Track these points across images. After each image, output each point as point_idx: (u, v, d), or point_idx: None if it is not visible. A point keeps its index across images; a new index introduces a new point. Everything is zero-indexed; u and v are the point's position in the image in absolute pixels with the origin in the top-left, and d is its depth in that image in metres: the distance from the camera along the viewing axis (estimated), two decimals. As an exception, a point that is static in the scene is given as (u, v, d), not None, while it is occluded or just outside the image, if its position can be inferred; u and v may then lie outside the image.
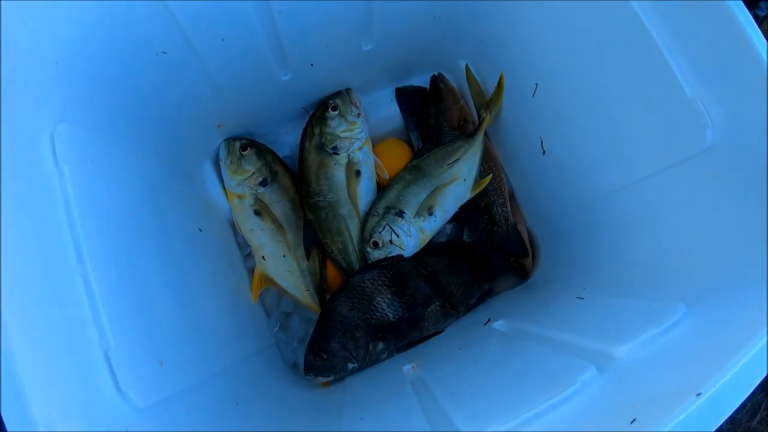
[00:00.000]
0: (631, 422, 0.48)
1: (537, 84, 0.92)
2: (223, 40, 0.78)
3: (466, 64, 1.03)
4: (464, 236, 1.04)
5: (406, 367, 0.84)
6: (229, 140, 0.98)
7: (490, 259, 1.03)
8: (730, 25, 0.58)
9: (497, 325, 0.87)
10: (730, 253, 0.67)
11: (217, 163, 1.00)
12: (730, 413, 0.49)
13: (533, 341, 0.74)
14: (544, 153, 0.96)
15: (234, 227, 1.00)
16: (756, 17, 1.58)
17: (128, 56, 0.74)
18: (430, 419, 0.64)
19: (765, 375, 0.51)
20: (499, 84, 0.97)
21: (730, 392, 0.48)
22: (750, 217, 0.64)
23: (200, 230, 0.87)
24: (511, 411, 0.54)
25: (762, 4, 1.58)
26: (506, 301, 1.01)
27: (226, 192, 0.99)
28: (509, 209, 1.04)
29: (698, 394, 0.47)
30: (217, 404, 0.72)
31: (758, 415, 1.33)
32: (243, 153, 0.97)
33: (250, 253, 1.00)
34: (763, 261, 0.61)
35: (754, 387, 0.50)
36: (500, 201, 1.03)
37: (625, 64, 0.73)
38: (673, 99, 0.66)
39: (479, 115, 1.01)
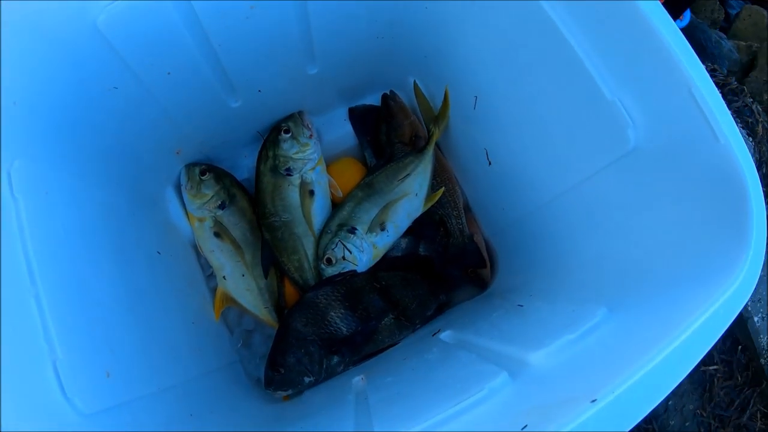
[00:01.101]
0: (522, 429, 0.51)
1: (476, 97, 1.01)
2: (168, 73, 0.88)
3: (414, 81, 1.12)
4: (420, 249, 1.13)
5: (356, 378, 0.92)
6: (189, 166, 1.09)
7: (447, 271, 1.12)
8: (640, 23, 0.64)
9: (444, 335, 0.94)
10: (657, 255, 0.71)
11: (179, 188, 1.10)
12: (634, 423, 0.50)
13: (466, 350, 0.81)
14: (490, 164, 1.05)
15: (197, 249, 1.11)
16: (728, 16, 1.68)
17: (81, 93, 0.84)
18: (358, 424, 0.72)
19: (676, 383, 0.53)
20: (445, 98, 1.07)
21: (632, 399, 0.50)
22: (675, 219, 0.72)
23: (158, 252, 0.98)
24: (425, 414, 0.59)
25: (732, 2, 1.68)
26: (462, 312, 1.07)
27: (187, 215, 1.10)
28: (464, 220, 1.13)
29: (593, 401, 0.50)
30: (169, 415, 0.81)
31: (748, 412, 1.37)
32: (202, 178, 1.08)
33: (212, 273, 1.09)
34: (687, 262, 0.66)
35: (663, 396, 0.52)
36: (455, 213, 1.13)
37: (550, 72, 0.78)
38: (594, 103, 0.72)
39: (428, 130, 1.12)
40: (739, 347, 1.43)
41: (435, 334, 0.95)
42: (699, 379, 1.42)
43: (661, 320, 0.60)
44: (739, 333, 1.44)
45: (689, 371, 0.53)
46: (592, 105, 0.74)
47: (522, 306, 0.90)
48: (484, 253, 1.12)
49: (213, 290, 1.08)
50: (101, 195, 0.92)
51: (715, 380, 1.41)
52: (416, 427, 0.59)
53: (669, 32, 0.63)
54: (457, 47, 1.00)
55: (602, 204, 0.82)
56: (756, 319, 1.41)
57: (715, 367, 1.42)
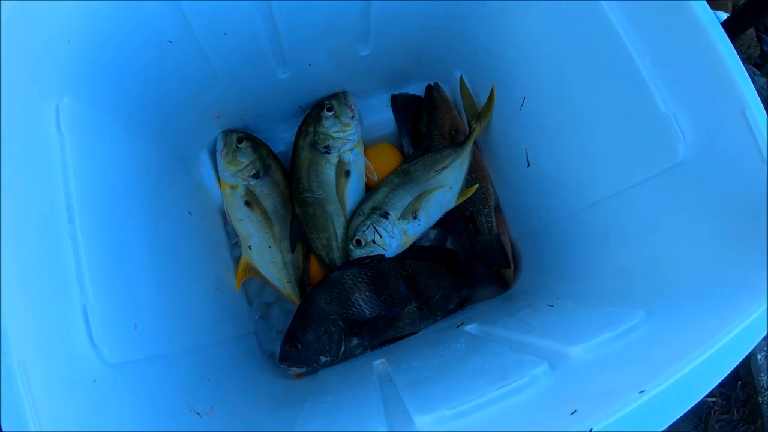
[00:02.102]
0: (571, 414, 0.50)
1: (524, 97, 0.97)
2: (225, 34, 0.84)
3: (461, 75, 1.09)
4: (448, 243, 1.08)
5: (377, 362, 0.87)
6: (227, 132, 1.04)
7: (471, 267, 1.07)
8: (700, 39, 0.62)
9: (468, 328, 0.90)
10: (697, 266, 0.69)
11: (213, 153, 1.05)
12: (677, 416, 0.51)
13: (496, 342, 0.78)
14: (528, 165, 1.01)
15: (224, 216, 1.05)
16: (763, 53, 1.63)
17: (136, 41, 0.80)
18: (387, 404, 0.67)
19: (713, 385, 0.52)
20: (490, 96, 1.03)
21: (676, 394, 0.50)
22: (717, 232, 0.68)
23: (190, 213, 0.93)
24: (459, 398, 0.57)
25: None
26: (483, 309, 1.03)
27: (219, 181, 1.04)
28: (494, 220, 1.08)
29: (641, 392, 0.49)
30: (188, 376, 0.75)
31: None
32: (239, 145, 1.03)
33: (237, 242, 1.04)
34: (726, 274, 0.65)
35: (705, 393, 0.52)
36: (485, 211, 1.08)
37: (605, 80, 0.76)
38: (647, 114, 0.69)
39: (470, 126, 1.07)
40: (740, 383, 1.39)
41: (459, 326, 0.90)
42: (696, 408, 1.38)
43: (700, 326, 0.59)
44: (740, 368, 1.40)
45: (724, 376, 0.53)
46: (644, 116, 0.72)
47: (552, 306, 0.85)
48: (509, 254, 1.07)
49: (236, 259, 1.03)
50: (141, 147, 0.88)
51: (712, 412, 1.37)
52: (456, 408, 0.56)
53: (727, 52, 0.62)
54: (509, 47, 0.97)
55: (641, 213, 0.79)
56: (759, 356, 1.37)
57: (713, 399, 1.38)
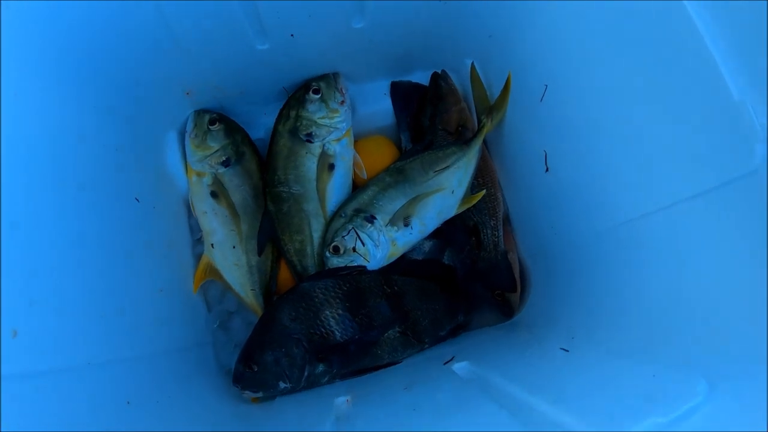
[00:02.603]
0: None
1: (546, 86, 0.79)
2: (188, -8, 0.69)
3: (472, 63, 0.90)
4: (445, 257, 0.90)
5: (340, 399, 0.70)
6: (199, 112, 0.88)
7: (471, 288, 0.88)
8: None
9: (459, 367, 0.71)
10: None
11: (183, 135, 0.90)
12: None
13: (490, 397, 0.58)
14: (547, 170, 0.82)
15: (190, 207, 0.90)
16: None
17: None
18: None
19: None
20: (506, 86, 0.85)
21: None
22: None
23: (137, 200, 0.77)
24: None
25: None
26: (480, 339, 0.84)
27: (186, 167, 0.89)
28: (501, 234, 0.90)
29: None
30: (95, 398, 0.60)
31: None
32: (210, 127, 0.87)
33: (200, 238, 0.89)
34: None
35: None
36: (492, 223, 0.90)
37: (657, 60, 0.59)
38: (714, 103, 0.50)
39: (479, 121, 0.89)
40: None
41: (447, 362, 0.72)
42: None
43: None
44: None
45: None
46: (709, 106, 0.53)
47: (567, 351, 0.66)
48: (517, 275, 0.88)
49: (198, 258, 0.86)
50: (88, 117, 0.72)
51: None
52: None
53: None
54: (531, 28, 0.79)
55: (695, 237, 0.60)
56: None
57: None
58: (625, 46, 0.63)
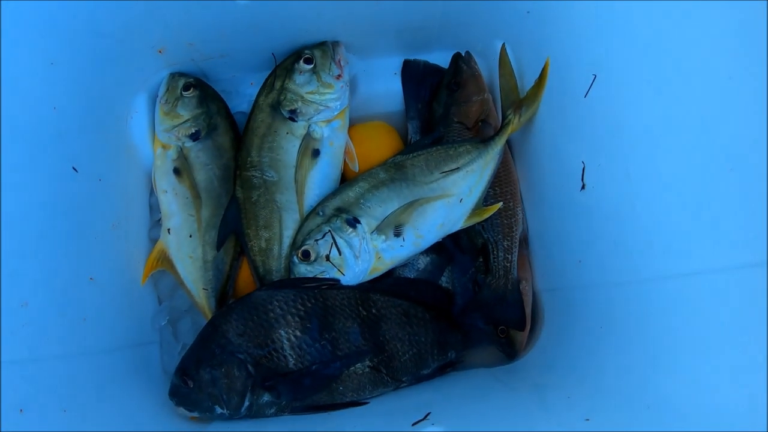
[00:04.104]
0: None
1: (595, 76, 0.56)
2: None
3: (503, 45, 0.67)
4: (443, 279, 0.69)
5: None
6: (175, 75, 0.69)
7: (469, 320, 0.67)
8: None
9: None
10: None
11: (154, 101, 0.72)
12: None
13: None
14: (583, 187, 0.60)
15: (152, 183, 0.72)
16: None
17: None
18: None
19: None
20: (542, 75, 0.62)
21: None
22: None
23: (74, 170, 0.60)
24: None
25: None
26: (470, 386, 0.63)
27: (153, 137, 0.72)
28: (515, 258, 0.67)
29: None
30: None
31: None
32: (184, 93, 0.68)
33: (160, 220, 0.71)
34: None
35: None
36: (506, 244, 0.68)
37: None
38: None
39: (504, 116, 0.67)
40: None
41: (417, 423, 0.51)
42: None
43: None
44: None
45: None
46: None
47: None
48: (528, 311, 0.66)
49: (154, 242, 0.68)
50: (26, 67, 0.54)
51: None
52: None
53: None
54: (582, 4, 0.56)
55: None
56: None
57: None
58: (717, 36, 0.41)
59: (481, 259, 0.67)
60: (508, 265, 0.66)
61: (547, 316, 0.68)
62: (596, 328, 0.58)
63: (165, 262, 0.67)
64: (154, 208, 0.71)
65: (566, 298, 0.65)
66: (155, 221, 0.71)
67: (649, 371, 0.50)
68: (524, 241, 0.69)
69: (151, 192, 0.71)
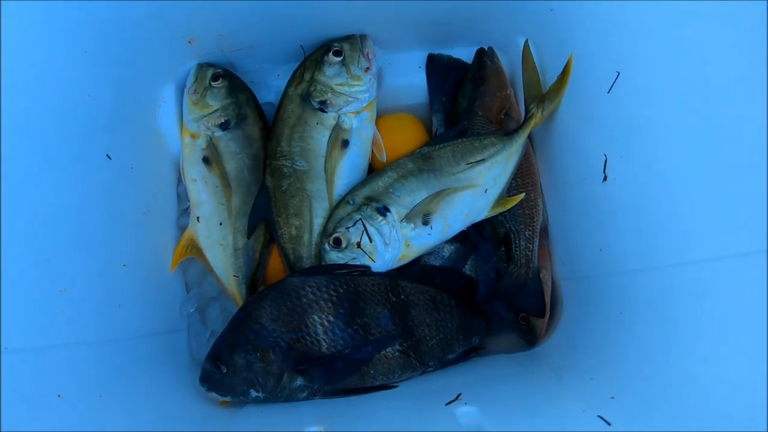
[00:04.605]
0: None
1: (618, 73, 0.57)
2: None
3: (526, 41, 0.68)
4: (466, 267, 0.70)
5: (312, 428, 0.51)
6: (203, 65, 0.68)
7: (492, 307, 0.68)
8: None
9: (464, 412, 0.51)
10: None
11: (182, 90, 0.71)
12: None
13: None
14: (605, 179, 0.60)
15: (180, 172, 0.71)
16: None
17: None
18: None
19: None
20: (565, 71, 0.63)
21: None
22: None
23: (108, 157, 0.59)
24: None
25: None
26: (493, 371, 0.64)
27: (182, 126, 0.71)
28: (536, 248, 0.68)
29: None
30: (20, 388, 0.42)
31: None
32: (213, 83, 0.68)
33: (188, 208, 0.71)
34: None
35: None
36: (527, 233, 0.69)
37: None
38: None
39: (527, 111, 0.68)
40: None
41: (450, 403, 0.52)
42: None
43: None
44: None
45: None
46: None
47: (609, 425, 0.46)
48: (547, 299, 0.67)
49: (182, 230, 0.68)
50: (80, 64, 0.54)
51: None
52: None
53: None
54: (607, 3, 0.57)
55: None
56: None
57: None
58: (739, 34, 0.42)
59: (502, 248, 0.68)
60: (530, 254, 0.67)
61: (565, 304, 0.69)
62: (616, 313, 0.60)
63: (194, 250, 0.66)
64: (181, 196, 0.71)
65: (585, 286, 0.66)
66: (182, 210, 0.71)
67: (670, 352, 0.51)
68: (544, 231, 0.70)
69: (179, 181, 0.71)
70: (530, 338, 0.68)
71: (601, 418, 0.47)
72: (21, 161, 0.49)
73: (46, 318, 0.49)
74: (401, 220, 0.62)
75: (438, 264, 0.67)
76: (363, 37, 0.67)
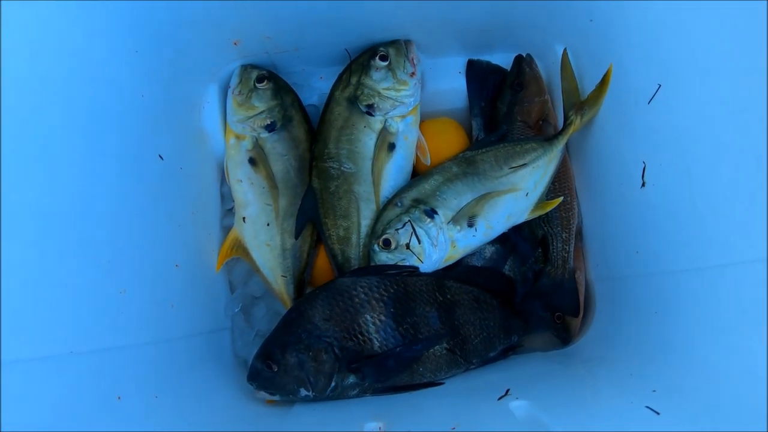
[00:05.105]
0: None
1: (660, 86, 0.59)
2: None
3: (564, 50, 0.69)
4: (505, 267, 0.71)
5: (371, 425, 0.51)
6: (247, 66, 0.68)
7: (529, 306, 0.70)
8: None
9: (517, 406, 0.53)
10: None
11: (225, 91, 0.71)
12: None
13: None
14: (643, 185, 0.62)
15: (224, 173, 0.71)
16: None
17: None
18: None
19: None
20: (604, 80, 0.64)
21: None
22: None
23: (160, 157, 0.59)
24: None
25: None
26: (533, 368, 0.65)
27: (225, 127, 0.71)
28: (572, 249, 0.70)
29: None
30: (79, 391, 0.42)
31: None
32: (258, 85, 0.68)
33: (232, 208, 0.70)
34: None
35: None
36: (564, 235, 0.70)
37: None
38: None
39: (566, 117, 0.69)
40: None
41: (502, 398, 0.53)
42: None
43: None
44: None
45: None
46: None
47: (659, 414, 0.48)
48: (581, 298, 0.69)
49: (226, 231, 0.68)
50: (112, 55, 0.53)
51: None
52: None
53: None
54: (647, 15, 0.59)
55: None
56: None
57: None
58: None
59: (540, 250, 0.69)
60: (566, 255, 0.69)
61: (598, 304, 0.71)
62: (651, 312, 0.61)
63: (240, 250, 0.66)
64: (225, 196, 0.71)
65: (619, 287, 0.67)
66: (226, 210, 0.71)
67: (706, 347, 0.53)
68: (578, 233, 0.71)
69: (222, 181, 0.71)
70: (565, 336, 0.69)
71: (650, 408, 0.49)
72: (84, 163, 0.48)
73: (108, 319, 0.49)
74: (448, 222, 0.63)
75: (479, 264, 0.68)
76: (407, 42, 0.68)
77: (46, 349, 0.41)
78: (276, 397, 0.60)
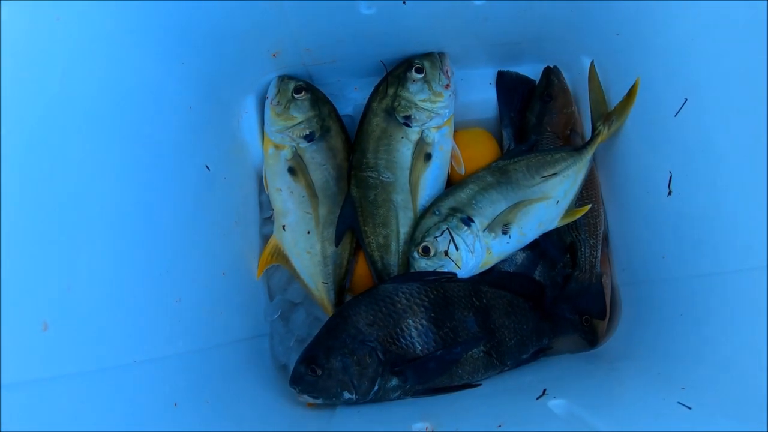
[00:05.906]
0: None
1: (686, 99, 0.60)
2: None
3: (592, 62, 0.70)
4: (536, 272, 0.73)
5: (418, 425, 0.53)
6: (284, 77, 0.70)
7: (558, 310, 0.71)
8: None
9: (555, 405, 0.55)
10: None
11: (262, 101, 0.72)
12: None
13: None
14: (669, 194, 0.64)
15: (261, 182, 0.72)
16: None
17: None
18: None
19: None
20: (631, 93, 0.65)
21: None
22: None
23: (207, 168, 0.59)
24: None
25: None
26: (563, 369, 0.67)
27: (263, 137, 0.71)
28: (599, 255, 0.72)
29: None
30: (136, 399, 0.43)
31: None
32: (296, 96, 0.69)
33: (271, 217, 0.71)
34: None
35: None
36: (591, 241, 0.71)
37: None
38: None
39: (594, 128, 0.70)
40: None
41: (540, 397, 0.54)
42: None
43: None
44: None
45: None
46: None
47: (690, 409, 0.49)
48: (607, 302, 0.70)
49: (265, 239, 0.69)
50: (160, 69, 0.54)
51: None
52: None
53: None
54: (674, 27, 0.60)
55: None
56: None
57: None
58: None
59: (568, 255, 0.71)
60: (593, 260, 0.70)
61: (624, 308, 0.72)
62: (676, 316, 0.63)
63: (279, 257, 0.67)
64: (263, 205, 0.71)
65: (644, 291, 0.69)
66: (264, 218, 0.71)
67: (729, 347, 0.54)
68: (605, 239, 0.73)
69: (260, 190, 0.71)
70: (592, 339, 0.71)
71: (682, 404, 0.50)
72: (145, 177, 0.49)
73: (165, 327, 0.50)
74: (483, 230, 0.64)
75: (512, 270, 0.69)
76: (441, 55, 0.69)
77: (112, 360, 0.42)
78: (318, 401, 0.61)
